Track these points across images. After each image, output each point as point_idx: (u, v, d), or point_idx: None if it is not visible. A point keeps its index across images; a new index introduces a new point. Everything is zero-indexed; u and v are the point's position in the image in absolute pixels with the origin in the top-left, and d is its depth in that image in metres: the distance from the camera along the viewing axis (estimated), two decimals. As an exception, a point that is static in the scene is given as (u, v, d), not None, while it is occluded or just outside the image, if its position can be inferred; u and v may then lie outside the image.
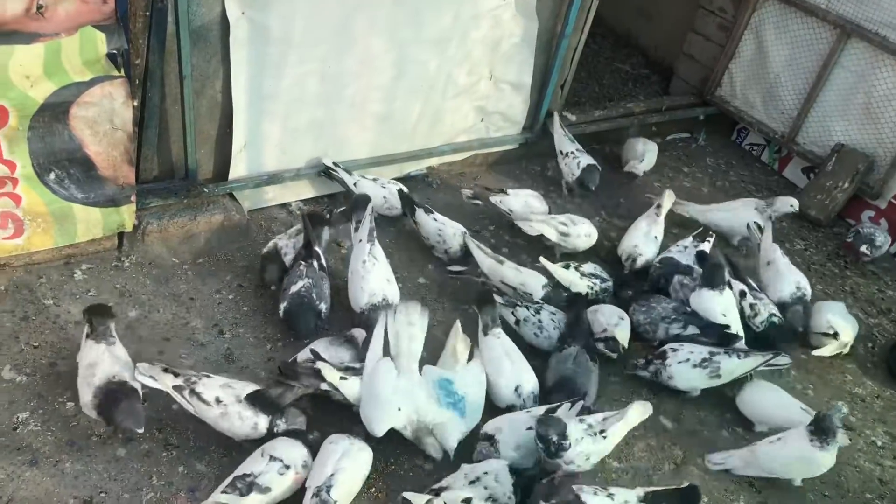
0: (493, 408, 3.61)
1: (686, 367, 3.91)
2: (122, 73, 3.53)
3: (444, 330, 3.79)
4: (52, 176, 3.65)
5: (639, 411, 3.44)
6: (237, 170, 4.34)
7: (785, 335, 4.34)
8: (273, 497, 3.01)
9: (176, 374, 3.21)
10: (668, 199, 4.97)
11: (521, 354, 3.73)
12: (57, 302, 3.78)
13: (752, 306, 4.34)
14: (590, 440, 3.30)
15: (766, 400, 3.96)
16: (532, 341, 4.02)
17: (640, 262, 4.66)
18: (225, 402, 3.18)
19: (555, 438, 3.21)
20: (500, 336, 3.74)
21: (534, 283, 4.25)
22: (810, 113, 5.86)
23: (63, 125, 3.53)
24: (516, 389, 3.60)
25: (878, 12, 5.31)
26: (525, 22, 4.91)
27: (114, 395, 3.12)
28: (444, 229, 4.48)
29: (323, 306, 3.85)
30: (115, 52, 3.46)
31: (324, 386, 3.34)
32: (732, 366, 3.90)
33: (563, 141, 5.37)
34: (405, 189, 4.71)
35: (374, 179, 4.69)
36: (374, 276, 3.89)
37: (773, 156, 6.35)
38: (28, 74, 3.30)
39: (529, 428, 3.33)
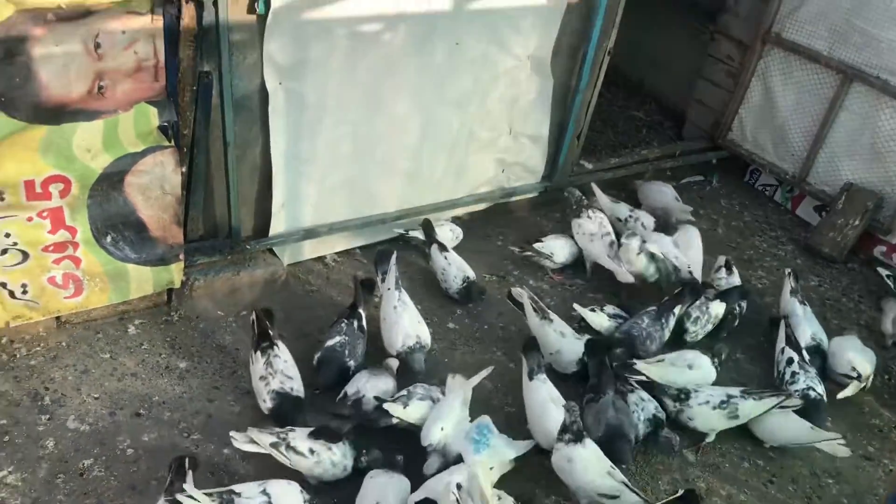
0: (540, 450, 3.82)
1: (706, 409, 4.07)
2: (172, 142, 3.81)
3: (474, 373, 3.95)
4: (109, 239, 3.93)
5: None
6: (277, 227, 4.62)
7: (817, 411, 4.27)
8: None
9: (270, 433, 3.47)
10: None
11: (562, 398, 3.89)
12: (113, 356, 4.07)
13: (793, 374, 4.39)
14: None
15: (778, 423, 4.12)
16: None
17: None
18: (318, 452, 3.47)
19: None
20: (545, 382, 3.94)
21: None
22: (819, 154, 6.06)
23: (119, 192, 3.82)
24: None
25: (877, 58, 5.54)
26: (540, 80, 5.19)
27: None
28: (448, 270, 4.80)
29: (352, 363, 4.07)
30: (165, 124, 3.74)
31: (394, 420, 3.73)
32: (749, 407, 4.07)
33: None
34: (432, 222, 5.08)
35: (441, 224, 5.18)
36: (405, 319, 4.21)
37: (786, 195, 6.54)
38: (89, 148, 3.60)
39: None
